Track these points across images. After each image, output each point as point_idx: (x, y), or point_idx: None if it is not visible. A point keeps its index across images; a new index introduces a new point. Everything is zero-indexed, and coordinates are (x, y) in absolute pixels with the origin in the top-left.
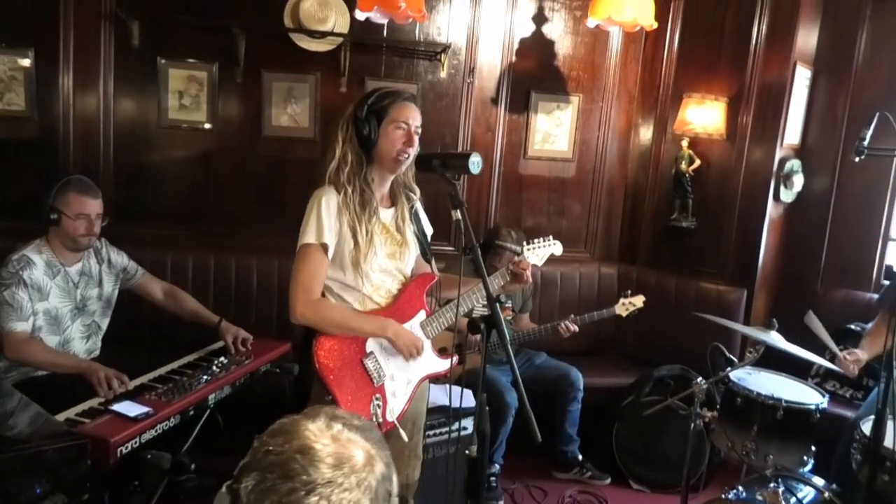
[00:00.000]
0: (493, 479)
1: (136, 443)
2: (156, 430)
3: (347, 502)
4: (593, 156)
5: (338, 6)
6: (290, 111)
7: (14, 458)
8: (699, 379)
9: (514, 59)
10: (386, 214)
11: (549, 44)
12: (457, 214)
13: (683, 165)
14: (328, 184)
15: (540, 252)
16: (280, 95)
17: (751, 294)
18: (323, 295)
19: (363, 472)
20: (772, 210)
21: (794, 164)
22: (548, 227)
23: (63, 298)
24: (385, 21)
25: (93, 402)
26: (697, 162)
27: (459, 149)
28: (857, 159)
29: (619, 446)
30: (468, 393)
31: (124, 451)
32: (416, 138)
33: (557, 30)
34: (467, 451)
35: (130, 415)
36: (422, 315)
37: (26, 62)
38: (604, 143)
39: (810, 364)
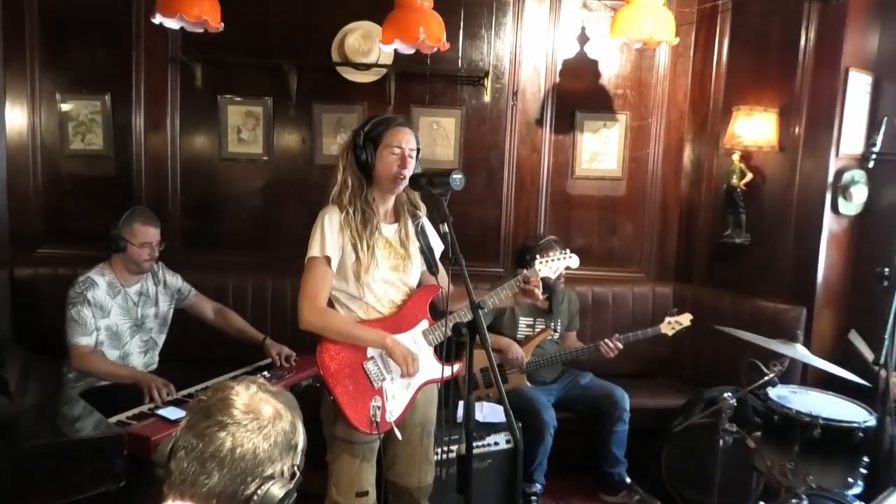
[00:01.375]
0: (533, 498)
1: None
2: None
3: (248, 441)
4: (644, 173)
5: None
6: (340, 140)
7: (62, 444)
8: (727, 394)
9: (557, 79)
10: (388, 230)
11: (593, 63)
12: (444, 228)
13: (735, 180)
14: (332, 204)
15: (553, 265)
16: (330, 126)
17: (811, 312)
18: (332, 305)
19: (266, 422)
20: (831, 223)
21: (855, 174)
22: (599, 247)
23: (123, 316)
24: (411, 51)
25: (143, 408)
26: (749, 176)
27: (505, 172)
28: None
29: (669, 469)
30: (498, 409)
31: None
32: (411, 160)
33: (601, 49)
34: (454, 448)
35: (172, 418)
36: (424, 324)
37: (104, 105)
38: (654, 161)
39: None
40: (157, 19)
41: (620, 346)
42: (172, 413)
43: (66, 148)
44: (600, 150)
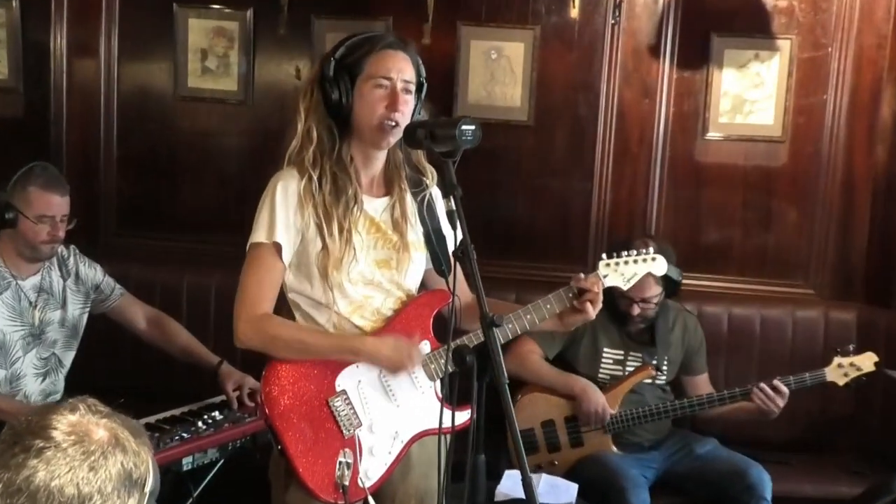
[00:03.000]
0: None
1: None
2: None
3: (69, 471)
4: (818, 133)
5: None
6: None
7: None
8: None
9: None
10: (375, 205)
11: None
12: (450, 203)
13: None
14: (288, 166)
15: (625, 269)
16: None
17: None
18: (291, 318)
19: (95, 449)
20: None
21: None
22: (743, 247)
23: (13, 321)
24: None
25: None
26: None
27: (600, 127)
28: None
29: None
30: (565, 484)
31: None
32: (408, 99)
33: None
34: None
35: None
36: (425, 347)
37: (8, 16)
38: (835, 113)
39: None
40: None
41: (786, 390)
42: None
43: None
44: (749, 96)
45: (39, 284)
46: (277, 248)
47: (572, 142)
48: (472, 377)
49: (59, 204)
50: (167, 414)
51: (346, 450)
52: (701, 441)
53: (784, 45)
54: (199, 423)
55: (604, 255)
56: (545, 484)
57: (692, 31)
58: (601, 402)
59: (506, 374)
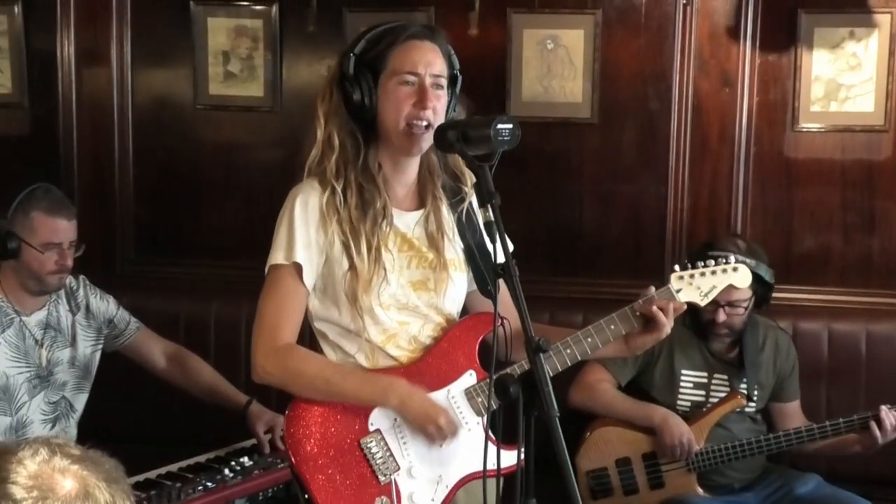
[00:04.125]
0: None
1: None
2: None
3: None
4: None
5: None
6: None
7: None
8: None
9: None
10: (407, 220)
11: None
12: (487, 214)
13: None
14: (308, 178)
15: (701, 282)
16: None
17: None
18: (317, 348)
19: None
20: None
21: None
22: (845, 252)
23: (17, 362)
24: None
25: None
26: None
27: (673, 121)
28: None
29: None
30: None
31: None
32: (440, 94)
33: None
34: None
35: None
36: (470, 378)
37: (11, 23)
38: None
39: None
40: None
41: None
42: None
43: None
44: (845, 80)
45: (46, 320)
46: (298, 269)
47: (643, 140)
48: (518, 411)
49: (65, 229)
50: (191, 461)
51: (383, 497)
52: (802, 479)
53: (884, 20)
54: (226, 471)
55: (676, 267)
56: None
57: (777, 8)
58: (685, 434)
59: (555, 406)
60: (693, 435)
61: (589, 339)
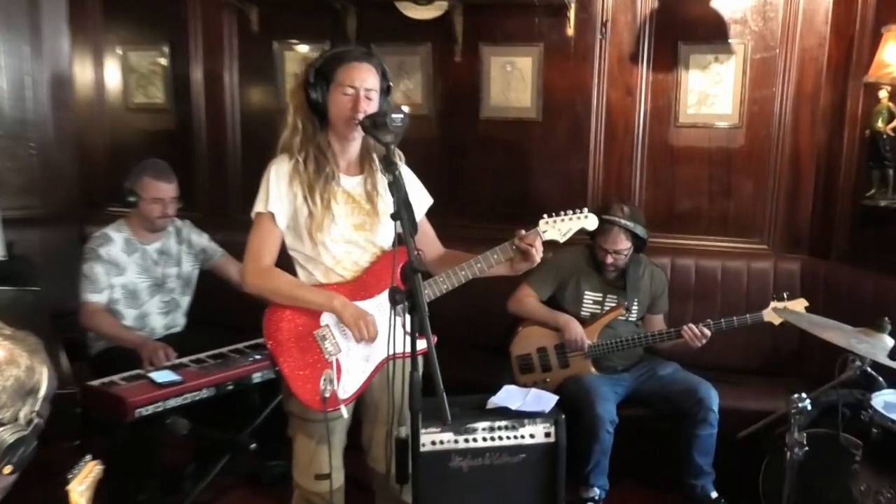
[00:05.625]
0: None
1: (158, 407)
2: (183, 399)
3: None
4: (769, 119)
5: None
6: (403, 87)
7: None
8: (800, 394)
9: (655, 4)
10: (350, 182)
11: None
12: (389, 177)
13: (880, 124)
14: (280, 152)
15: (561, 225)
16: (391, 70)
17: None
18: (293, 268)
19: None
20: None
21: None
22: (709, 212)
23: (141, 274)
24: None
25: (141, 371)
26: None
27: (593, 119)
28: None
29: (768, 487)
30: (548, 396)
31: (144, 412)
32: (370, 102)
33: None
34: (396, 433)
35: (159, 381)
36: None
37: (163, 59)
38: (782, 102)
39: None
40: None
41: (708, 333)
42: (162, 377)
43: (129, 102)
44: (711, 91)
45: (160, 248)
46: (272, 216)
47: (571, 133)
48: (412, 313)
49: (166, 189)
50: (252, 342)
51: (328, 371)
52: (664, 364)
53: (739, 48)
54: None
55: (545, 215)
56: (532, 395)
57: (664, 41)
58: (580, 333)
59: (426, 308)
60: (587, 335)
61: (478, 265)
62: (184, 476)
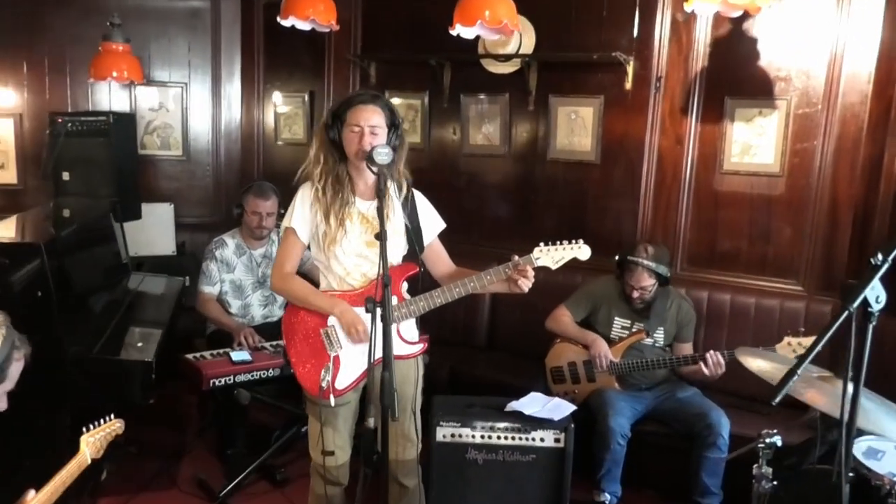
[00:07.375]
0: None
1: (229, 380)
2: (252, 375)
3: None
4: (810, 170)
5: (524, 27)
6: (485, 130)
7: (96, 360)
8: (769, 430)
9: (706, 63)
10: (365, 205)
11: (751, 42)
12: (379, 203)
13: None
14: (304, 180)
15: (554, 254)
16: (476, 116)
17: None
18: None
19: None
20: None
21: None
22: (749, 253)
23: (246, 273)
24: (496, 37)
25: (228, 349)
26: None
27: (644, 164)
28: None
29: None
30: (566, 407)
31: (217, 383)
32: (375, 137)
33: (758, 24)
34: (366, 422)
35: (235, 359)
36: (394, 300)
37: (303, 102)
38: (823, 155)
39: None
40: (287, 22)
41: (723, 361)
42: (238, 356)
43: (278, 137)
44: (753, 142)
45: (264, 253)
46: (295, 231)
47: (625, 175)
48: (372, 318)
49: (264, 205)
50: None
51: (328, 364)
52: (684, 388)
53: (782, 104)
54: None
55: (541, 243)
56: (553, 404)
57: (712, 95)
58: (605, 350)
59: (391, 316)
60: (612, 353)
61: (471, 284)
62: (271, 440)
